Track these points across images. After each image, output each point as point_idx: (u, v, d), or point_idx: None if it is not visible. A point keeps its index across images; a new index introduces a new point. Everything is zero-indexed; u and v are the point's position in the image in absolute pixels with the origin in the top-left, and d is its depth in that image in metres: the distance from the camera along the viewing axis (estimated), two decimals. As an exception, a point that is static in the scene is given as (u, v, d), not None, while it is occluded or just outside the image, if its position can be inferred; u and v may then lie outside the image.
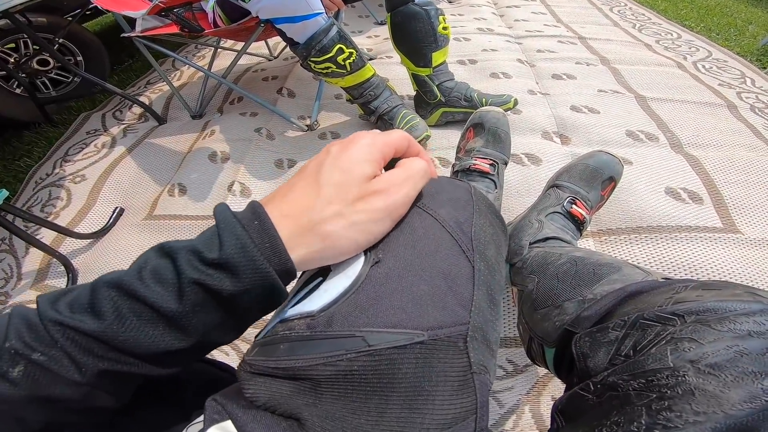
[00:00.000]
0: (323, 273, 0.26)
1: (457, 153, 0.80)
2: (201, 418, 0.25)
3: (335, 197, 0.24)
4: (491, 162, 0.71)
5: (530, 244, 0.59)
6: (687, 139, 1.03)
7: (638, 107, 1.16)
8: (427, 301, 0.23)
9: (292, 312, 0.25)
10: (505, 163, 0.74)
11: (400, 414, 0.21)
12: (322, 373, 0.22)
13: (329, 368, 0.22)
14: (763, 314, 0.23)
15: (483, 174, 0.70)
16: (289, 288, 0.26)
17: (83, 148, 1.31)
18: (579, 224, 0.62)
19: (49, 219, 1.02)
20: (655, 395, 0.23)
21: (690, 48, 1.62)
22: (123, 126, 1.39)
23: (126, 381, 0.24)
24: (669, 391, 0.23)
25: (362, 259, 0.25)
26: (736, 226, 0.80)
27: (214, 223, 0.24)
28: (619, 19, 1.94)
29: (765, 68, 1.50)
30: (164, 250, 0.23)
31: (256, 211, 0.24)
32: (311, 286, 0.26)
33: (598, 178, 0.64)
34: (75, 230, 0.98)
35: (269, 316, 0.28)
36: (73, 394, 0.22)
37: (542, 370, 0.66)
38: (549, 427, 0.31)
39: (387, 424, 0.21)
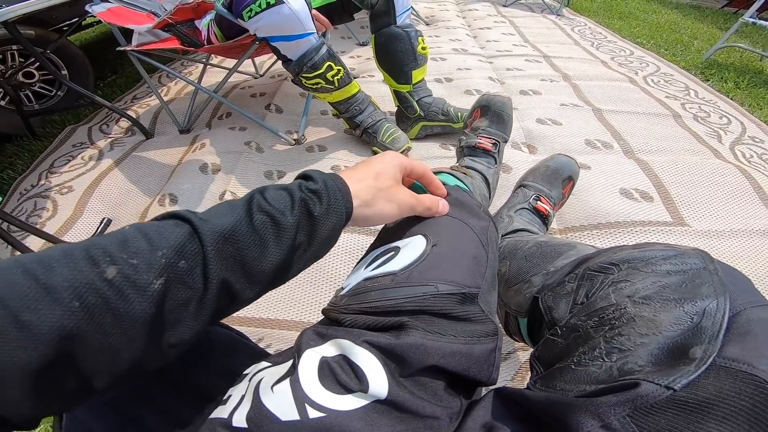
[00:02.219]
0: (393, 250, 0.38)
1: (463, 128, 0.87)
2: (264, 363, 0.32)
3: (378, 178, 0.37)
4: (494, 141, 0.78)
5: (502, 236, 0.67)
6: (638, 146, 1.15)
7: (595, 119, 1.29)
8: (466, 271, 0.35)
9: (375, 273, 0.35)
10: (506, 141, 0.82)
11: (458, 327, 0.33)
12: (407, 308, 0.31)
13: (412, 304, 0.32)
14: (677, 257, 0.31)
15: (486, 151, 0.78)
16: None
17: (69, 161, 1.32)
18: (544, 218, 0.70)
19: (37, 229, 1.03)
20: (607, 327, 0.29)
21: (641, 64, 1.80)
22: (110, 139, 1.41)
23: (221, 306, 0.28)
24: (616, 322, 0.29)
25: (424, 241, 0.36)
26: (684, 219, 0.91)
27: None
28: (579, 38, 2.12)
29: (708, 80, 1.68)
30: (278, 186, 0.32)
31: (334, 174, 0.35)
32: (384, 258, 0.37)
33: (558, 177, 0.73)
34: (63, 240, 0.99)
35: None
36: (181, 316, 0.24)
37: (524, 356, 0.72)
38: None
39: (452, 330, 0.32)
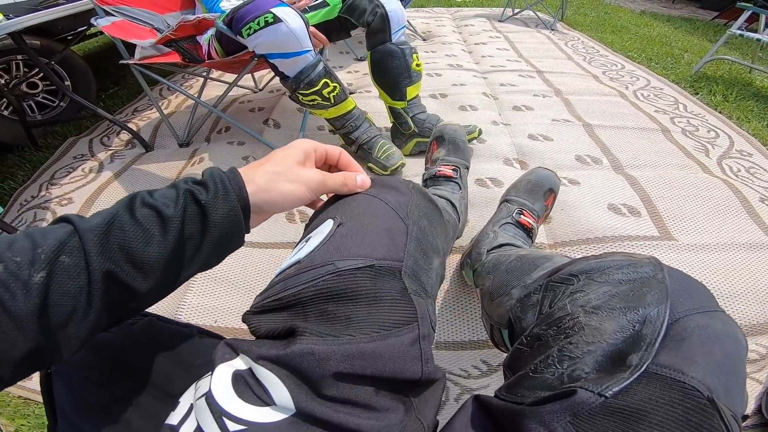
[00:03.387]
0: (305, 239, 0.36)
1: (425, 164, 0.90)
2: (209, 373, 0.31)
3: (275, 162, 0.36)
4: (453, 167, 0.80)
5: (487, 251, 0.69)
6: (626, 161, 1.18)
7: (585, 134, 1.32)
8: (375, 243, 0.32)
9: (283, 266, 0.34)
10: (467, 168, 0.84)
11: (365, 313, 0.29)
12: (307, 294, 0.29)
13: (312, 289, 0.29)
14: (630, 267, 0.32)
15: (448, 178, 0.79)
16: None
17: (70, 172, 1.34)
18: (528, 231, 0.72)
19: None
20: (562, 336, 0.31)
21: (632, 78, 1.84)
22: (110, 152, 1.44)
23: (114, 298, 0.28)
24: (570, 331, 0.30)
25: (331, 222, 0.34)
26: (671, 234, 0.93)
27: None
28: (572, 52, 2.17)
29: (697, 93, 1.72)
30: (170, 184, 0.33)
31: (229, 168, 0.35)
32: (296, 249, 0.35)
33: (539, 190, 0.75)
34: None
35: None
36: (72, 308, 0.26)
37: (512, 368, 0.74)
38: None
39: (355, 322, 0.28)
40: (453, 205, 0.75)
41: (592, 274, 0.34)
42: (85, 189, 1.25)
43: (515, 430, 0.28)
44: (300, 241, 0.37)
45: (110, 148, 1.47)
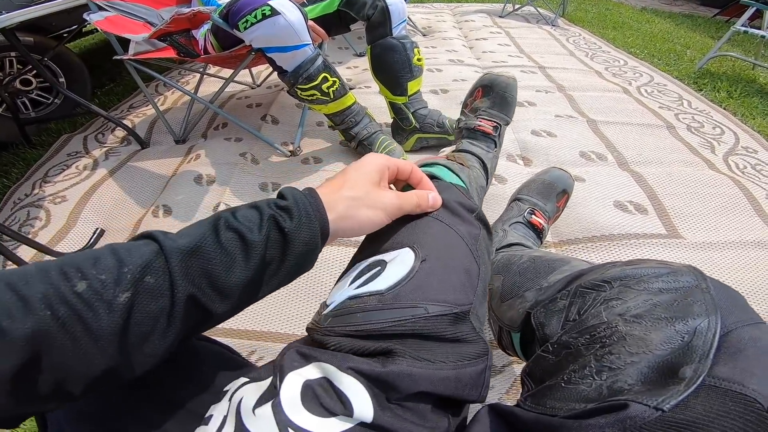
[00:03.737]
0: (379, 264, 0.36)
1: (463, 108, 0.82)
2: (243, 379, 0.32)
3: (354, 186, 0.35)
4: (495, 124, 0.73)
5: (497, 250, 0.67)
6: (632, 157, 1.16)
7: (589, 130, 1.29)
8: (458, 287, 0.34)
9: (360, 291, 0.34)
10: (507, 124, 0.76)
11: (448, 351, 0.32)
12: (394, 331, 0.31)
13: (399, 328, 0.31)
14: (670, 275, 0.31)
15: (485, 134, 0.73)
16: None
17: (64, 170, 1.32)
18: (538, 232, 0.70)
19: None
20: (598, 345, 0.29)
21: (635, 74, 1.82)
22: (105, 149, 1.41)
23: (192, 320, 0.29)
24: (607, 340, 0.29)
25: (413, 256, 0.35)
26: (679, 232, 0.91)
27: None
28: (574, 48, 2.15)
29: (701, 90, 1.70)
30: (250, 204, 0.32)
31: (308, 189, 0.35)
32: (369, 274, 0.35)
33: (553, 191, 0.73)
34: (54, 250, 0.98)
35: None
36: (152, 328, 0.26)
37: (518, 369, 0.72)
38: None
39: (441, 354, 0.31)
40: (485, 166, 0.69)
41: (627, 282, 0.32)
42: (79, 186, 1.23)
43: None
44: (364, 258, 0.38)
45: (105, 145, 1.44)
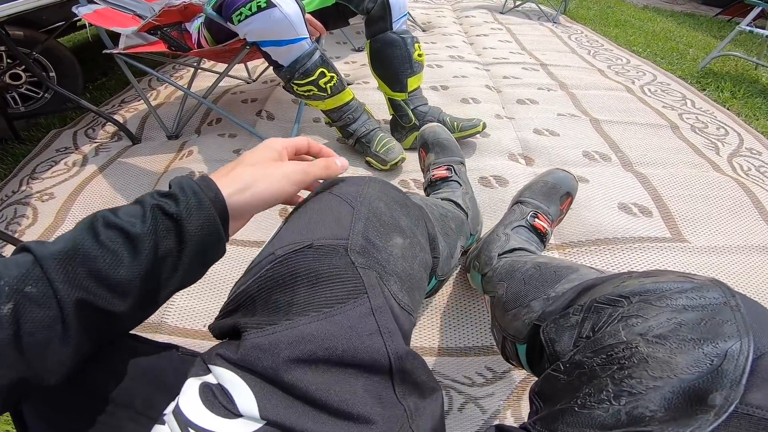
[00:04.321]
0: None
1: (422, 173, 0.87)
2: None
3: (249, 162, 0.35)
4: (447, 167, 0.78)
5: (499, 255, 0.64)
6: (636, 158, 1.14)
7: (593, 129, 1.27)
8: (316, 226, 0.31)
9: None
10: (461, 163, 0.81)
11: (307, 293, 0.27)
12: (253, 287, 0.29)
13: (256, 281, 0.29)
14: (694, 291, 0.28)
15: (444, 180, 0.77)
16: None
17: (52, 166, 1.28)
18: (542, 236, 0.68)
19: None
20: (616, 366, 0.27)
21: (638, 72, 1.79)
22: (95, 144, 1.37)
23: (93, 323, 0.27)
24: (626, 362, 0.27)
25: (281, 222, 0.34)
26: (683, 235, 0.89)
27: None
28: (576, 46, 2.12)
29: (704, 90, 1.68)
30: (135, 200, 0.31)
31: (199, 176, 0.33)
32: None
33: (556, 193, 0.70)
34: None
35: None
36: (49, 338, 0.25)
37: (519, 376, 0.70)
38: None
39: (298, 304, 0.27)
40: (456, 204, 0.71)
41: (647, 297, 0.30)
42: (67, 183, 1.19)
43: None
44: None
45: (95, 140, 1.40)
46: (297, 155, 0.40)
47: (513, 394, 0.68)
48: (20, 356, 0.24)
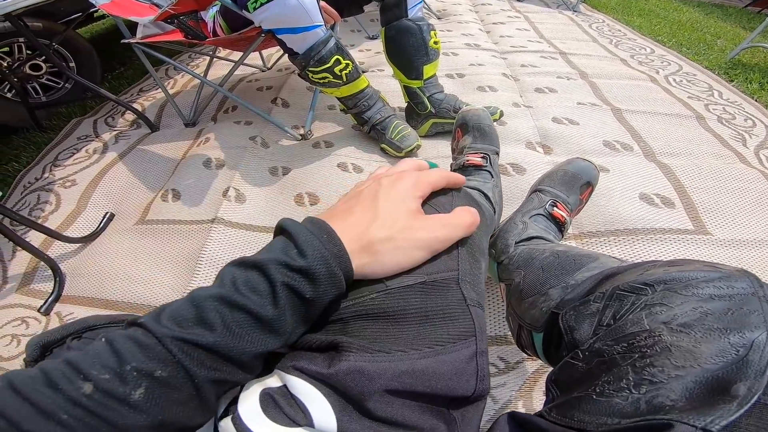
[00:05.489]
0: None
1: (452, 153, 0.84)
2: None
3: (387, 225, 0.30)
4: (483, 155, 0.74)
5: (516, 243, 0.63)
6: (659, 148, 1.10)
7: (614, 119, 1.23)
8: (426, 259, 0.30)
9: None
10: (497, 153, 0.77)
11: (415, 331, 0.27)
12: (348, 313, 0.28)
13: (354, 307, 0.28)
14: (722, 280, 0.27)
15: (477, 167, 0.73)
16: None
17: (74, 153, 1.31)
18: (560, 225, 0.66)
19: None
20: (637, 355, 0.26)
21: (662, 62, 1.73)
22: (115, 132, 1.40)
23: (224, 390, 0.26)
24: (649, 350, 0.26)
25: None
26: (706, 228, 0.87)
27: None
28: (597, 35, 2.05)
29: (732, 81, 1.61)
30: (249, 264, 0.27)
31: (323, 227, 0.29)
32: None
33: (576, 182, 0.69)
34: (64, 235, 0.97)
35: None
36: (186, 413, 0.24)
37: (532, 367, 0.69)
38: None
39: (403, 340, 0.27)
40: (486, 195, 0.69)
41: (673, 286, 0.29)
42: (89, 170, 1.22)
43: None
44: None
45: (115, 128, 1.43)
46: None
47: (525, 385, 0.67)
48: (163, 428, 0.24)
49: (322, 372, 0.25)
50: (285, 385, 0.26)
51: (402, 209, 0.30)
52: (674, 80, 1.55)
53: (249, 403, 0.25)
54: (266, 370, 0.28)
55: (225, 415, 0.27)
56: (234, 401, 0.27)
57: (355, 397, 0.25)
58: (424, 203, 0.34)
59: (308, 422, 0.24)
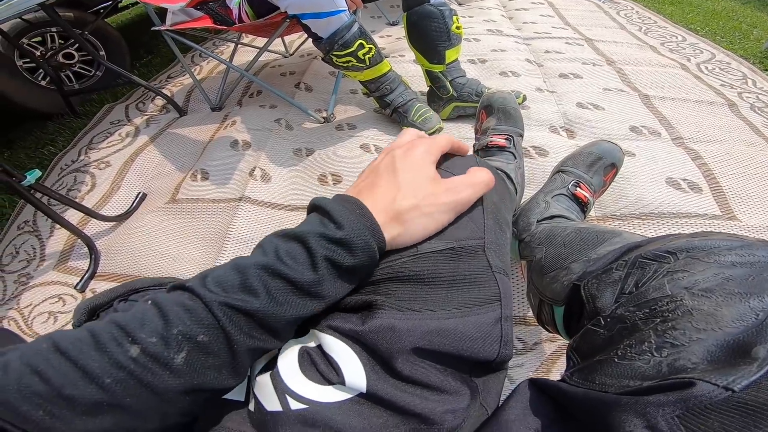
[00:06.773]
0: None
1: (475, 134, 0.84)
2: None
3: (411, 194, 0.31)
4: (506, 136, 0.74)
5: (538, 221, 0.64)
6: (688, 134, 1.07)
7: (641, 105, 1.20)
8: (455, 225, 0.31)
9: None
10: (521, 136, 0.77)
11: (444, 294, 0.29)
12: (381, 275, 0.29)
13: (386, 270, 0.29)
14: (743, 248, 0.28)
15: (501, 148, 0.73)
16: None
17: (107, 137, 1.37)
18: (583, 206, 0.66)
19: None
20: (659, 319, 0.27)
21: (694, 50, 1.67)
22: (146, 117, 1.45)
23: (254, 359, 0.28)
24: (670, 314, 0.26)
25: None
26: (735, 214, 0.85)
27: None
28: (625, 22, 1.99)
29: (767, 70, 1.54)
30: (291, 235, 0.28)
31: (355, 202, 0.30)
32: None
33: (600, 164, 0.68)
34: (101, 213, 1.02)
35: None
36: (219, 379, 0.25)
37: (550, 348, 0.70)
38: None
39: (432, 301, 0.28)
40: (508, 176, 0.70)
41: (695, 253, 0.29)
42: (122, 153, 1.28)
43: (597, 421, 0.24)
44: None
45: (146, 113, 1.48)
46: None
47: (542, 366, 0.68)
48: (190, 400, 0.25)
49: (356, 329, 0.27)
50: (320, 345, 0.27)
51: (421, 176, 0.31)
52: (706, 68, 1.49)
53: (288, 360, 0.27)
54: (301, 332, 0.30)
55: (264, 371, 0.29)
56: (273, 360, 0.29)
57: (384, 354, 0.26)
58: (437, 168, 0.35)
59: (340, 380, 0.26)
